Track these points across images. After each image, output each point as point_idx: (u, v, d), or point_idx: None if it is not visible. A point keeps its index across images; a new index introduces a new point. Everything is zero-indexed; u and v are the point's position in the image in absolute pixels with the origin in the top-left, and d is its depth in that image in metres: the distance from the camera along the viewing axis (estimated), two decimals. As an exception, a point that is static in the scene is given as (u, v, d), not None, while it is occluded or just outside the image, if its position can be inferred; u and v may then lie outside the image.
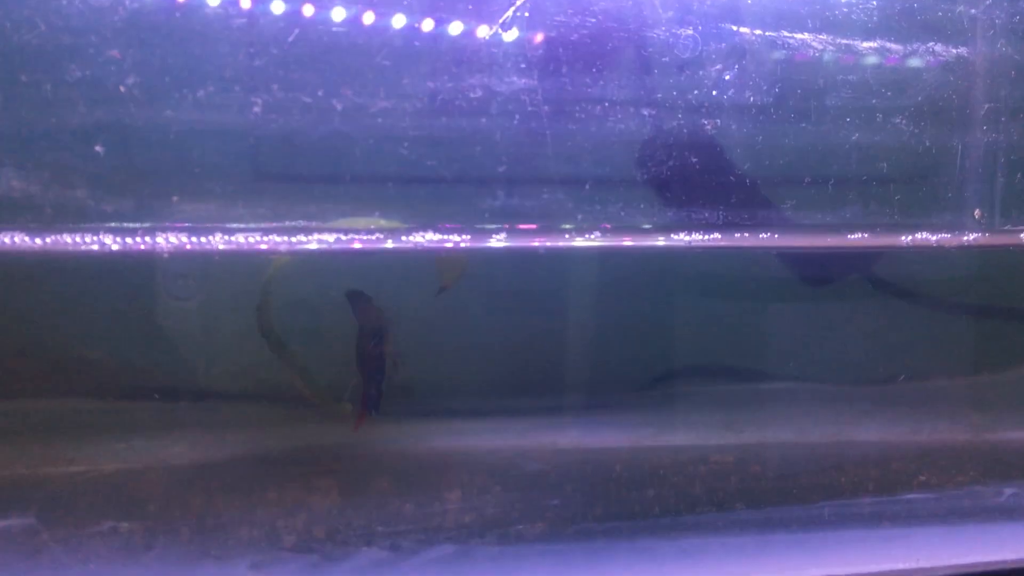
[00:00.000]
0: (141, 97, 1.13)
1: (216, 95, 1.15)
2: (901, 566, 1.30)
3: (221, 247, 1.12)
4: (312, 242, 1.19)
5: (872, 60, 1.41)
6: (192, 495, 1.46)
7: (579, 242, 1.30)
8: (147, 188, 1.16)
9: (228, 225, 1.14)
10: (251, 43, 1.15)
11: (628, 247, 1.34)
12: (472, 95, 1.24)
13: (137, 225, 1.12)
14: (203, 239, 1.11)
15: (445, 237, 1.24)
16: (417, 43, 1.23)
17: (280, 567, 1.21)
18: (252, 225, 1.17)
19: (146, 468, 1.56)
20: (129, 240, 1.09)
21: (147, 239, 1.09)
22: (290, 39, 1.16)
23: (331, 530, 1.33)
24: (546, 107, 1.27)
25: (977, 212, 1.48)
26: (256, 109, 1.16)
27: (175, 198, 1.16)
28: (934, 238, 1.40)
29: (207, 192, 1.18)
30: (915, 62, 1.43)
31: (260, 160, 1.23)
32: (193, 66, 1.15)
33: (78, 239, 1.08)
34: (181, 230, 1.11)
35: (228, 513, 1.39)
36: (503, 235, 1.26)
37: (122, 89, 1.12)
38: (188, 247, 1.12)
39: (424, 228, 1.23)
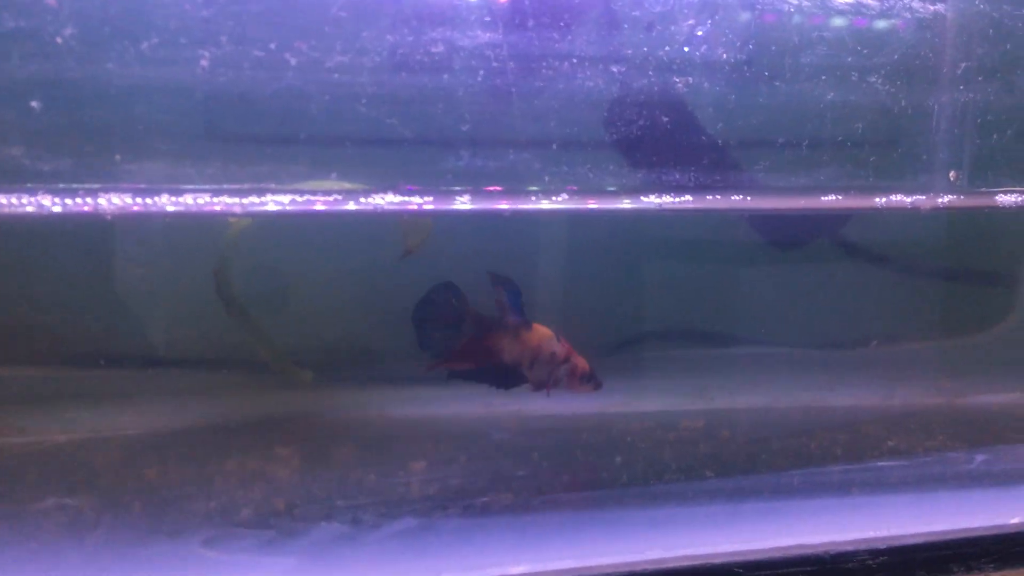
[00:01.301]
0: (80, 49, 1.06)
1: (161, 48, 1.08)
2: (872, 534, 1.28)
3: (169, 209, 1.06)
4: (266, 204, 1.13)
5: (848, 17, 1.37)
6: (147, 466, 1.42)
7: (546, 205, 1.26)
8: (88, 146, 1.10)
9: (176, 186, 1.09)
10: (198, -8, 1.09)
11: (596, 210, 1.30)
12: (434, 50, 1.19)
13: (78, 186, 1.06)
14: (149, 201, 1.05)
15: (406, 199, 1.19)
16: (375, -7, 1.17)
17: (235, 543, 1.17)
18: (202, 186, 1.11)
19: (99, 438, 1.52)
20: (69, 201, 1.03)
21: (89, 200, 1.03)
22: (239, -12, 1.10)
23: (290, 503, 1.29)
24: (511, 63, 1.22)
25: (952, 174, 1.45)
26: (204, 63, 1.10)
27: (118, 157, 1.10)
28: (909, 200, 1.37)
29: (152, 151, 1.12)
30: (891, 20, 1.39)
31: (209, 118, 1.17)
32: (136, 16, 1.08)
33: (13, 200, 1.02)
34: (125, 191, 1.05)
35: (184, 485, 1.36)
36: (467, 197, 1.21)
37: (59, 40, 1.06)
38: (134, 209, 1.06)
39: (385, 190, 1.18)
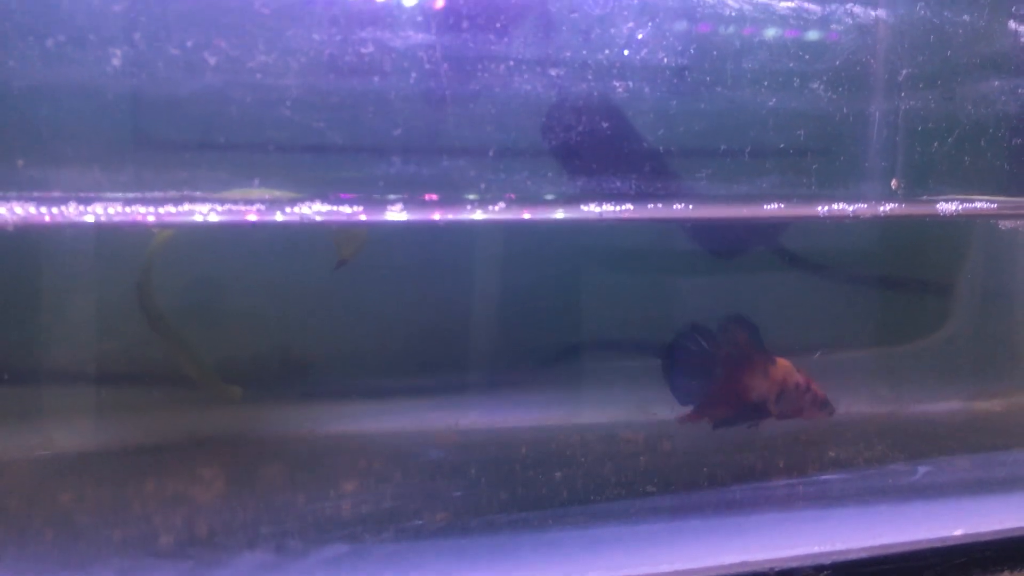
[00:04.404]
0: (-24, 46, 0.99)
1: (67, 45, 1.01)
2: (816, 549, 1.26)
3: (79, 219, 0.99)
4: (187, 214, 1.07)
5: (789, 23, 1.36)
6: (61, 490, 1.34)
7: (482, 214, 1.21)
8: (-16, 150, 1.03)
9: (86, 194, 1.01)
10: (108, -15, 1.02)
11: (534, 219, 1.26)
12: (364, 51, 1.14)
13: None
14: (56, 210, 0.98)
15: (336, 208, 1.13)
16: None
17: (149, 575, 1.10)
18: (116, 195, 1.04)
19: (7, 461, 1.43)
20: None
21: (-14, 209, 0.96)
22: (153, -19, 1.04)
23: (212, 529, 1.22)
24: (446, 65, 1.18)
25: (894, 182, 1.44)
26: (115, 62, 1.03)
27: (20, 162, 1.03)
28: (851, 208, 1.35)
29: (59, 156, 1.05)
30: (833, 25, 1.38)
31: (121, 121, 1.11)
32: (40, 10, 1.01)
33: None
34: (28, 199, 0.98)
35: (100, 510, 1.28)
36: (400, 206, 1.16)
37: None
38: (42, 219, 0.99)
39: (313, 198, 1.12)
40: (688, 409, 1.50)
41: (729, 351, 1.47)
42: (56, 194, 1.02)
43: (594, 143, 1.29)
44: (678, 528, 1.34)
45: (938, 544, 1.31)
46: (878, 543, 1.29)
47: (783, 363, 1.49)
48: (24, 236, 1.35)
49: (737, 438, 1.61)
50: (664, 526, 1.34)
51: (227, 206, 1.06)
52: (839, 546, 1.28)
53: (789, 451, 1.60)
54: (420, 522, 1.28)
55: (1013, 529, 1.35)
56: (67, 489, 1.35)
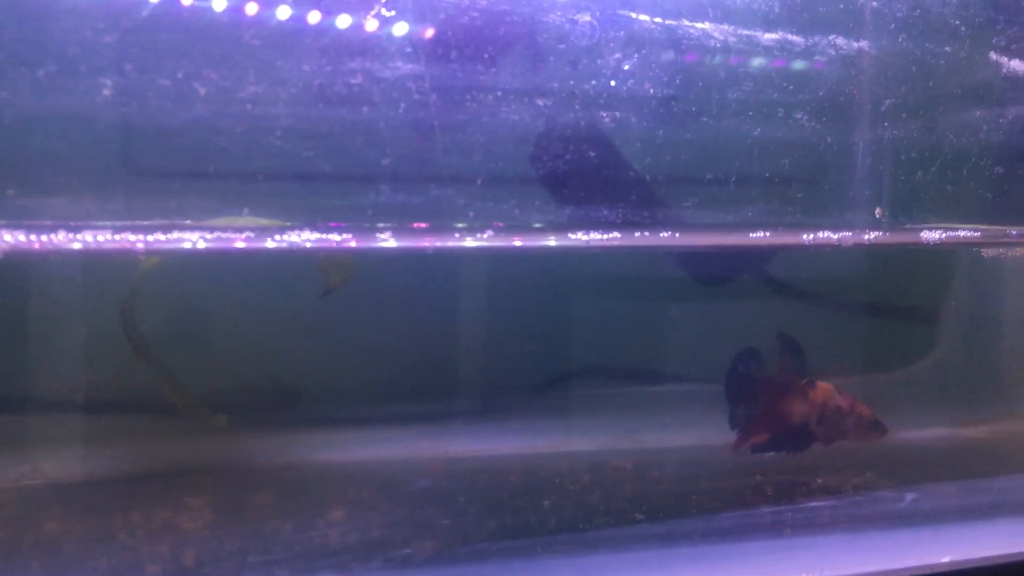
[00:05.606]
0: (-32, 76, 1.00)
1: (59, 75, 1.02)
2: (804, 577, 1.26)
3: (67, 247, 0.99)
4: (174, 242, 1.07)
5: (774, 54, 1.37)
6: (48, 519, 1.33)
7: (470, 242, 1.22)
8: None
9: (76, 223, 1.02)
10: (100, 16, 1.03)
11: (522, 247, 1.27)
12: (353, 81, 1.15)
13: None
14: (45, 238, 0.98)
15: (325, 237, 1.14)
16: (291, 21, 1.12)
17: (137, 605, 1.10)
18: (105, 223, 1.05)
19: (-5, 490, 1.43)
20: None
21: (-25, 238, 0.96)
22: (144, 12, 1.05)
23: (199, 558, 1.22)
24: (434, 96, 1.19)
25: (877, 211, 1.46)
26: (106, 92, 1.03)
27: (10, 191, 1.03)
28: (835, 237, 1.36)
29: (48, 185, 1.05)
30: (817, 56, 1.40)
31: (111, 150, 1.11)
32: (32, 41, 1.02)
33: None
34: (16, 227, 0.98)
35: (87, 539, 1.27)
36: (389, 234, 1.17)
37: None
38: (31, 247, 0.99)
39: (302, 227, 1.13)
40: (735, 437, 1.50)
41: (768, 374, 1.47)
42: (46, 222, 1.02)
43: (582, 172, 1.30)
44: (667, 556, 1.34)
45: (926, 571, 1.31)
46: (866, 570, 1.29)
47: (823, 386, 1.49)
48: (10, 264, 1.35)
49: (724, 465, 1.61)
50: (653, 554, 1.34)
51: (215, 234, 1.07)
52: (827, 573, 1.28)
53: (777, 478, 1.60)
54: (408, 551, 1.27)
55: (1000, 556, 1.35)
56: (54, 518, 1.34)
